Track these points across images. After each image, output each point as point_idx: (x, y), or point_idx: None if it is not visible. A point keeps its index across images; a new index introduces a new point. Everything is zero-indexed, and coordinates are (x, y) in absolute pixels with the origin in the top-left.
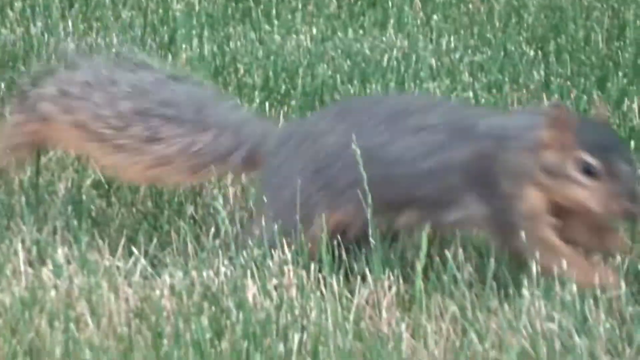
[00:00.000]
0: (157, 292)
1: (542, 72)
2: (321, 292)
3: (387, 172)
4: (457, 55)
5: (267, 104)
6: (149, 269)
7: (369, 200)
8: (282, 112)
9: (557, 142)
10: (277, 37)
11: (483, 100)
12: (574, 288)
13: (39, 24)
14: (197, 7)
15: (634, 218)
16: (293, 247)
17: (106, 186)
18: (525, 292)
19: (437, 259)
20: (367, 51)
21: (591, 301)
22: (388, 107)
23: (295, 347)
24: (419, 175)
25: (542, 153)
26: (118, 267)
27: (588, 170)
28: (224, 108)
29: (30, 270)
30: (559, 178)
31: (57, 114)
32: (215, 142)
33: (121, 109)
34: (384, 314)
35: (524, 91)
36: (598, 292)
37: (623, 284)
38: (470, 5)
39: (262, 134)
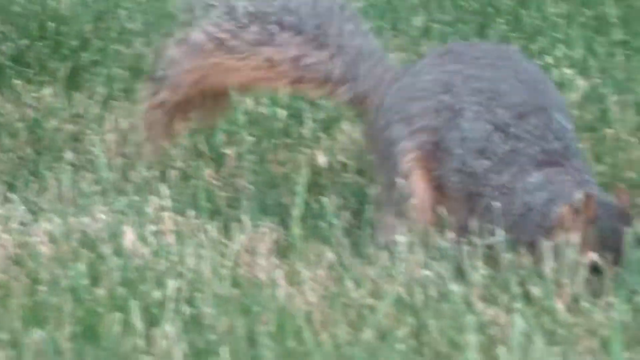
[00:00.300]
0: (35, 238)
1: (423, 18)
2: (198, 239)
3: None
4: None
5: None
6: (28, 216)
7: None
8: None
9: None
10: None
11: None
12: (451, 235)
13: None
14: None
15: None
16: None
17: None
18: (401, 238)
19: (314, 205)
20: None
21: (468, 248)
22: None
23: (171, 293)
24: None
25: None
26: None
27: (595, 270)
28: (348, 29)
29: None
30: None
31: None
32: (328, 63)
33: (239, 12)
34: (261, 261)
35: (405, 37)
36: (475, 239)
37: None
38: None
39: (379, 78)
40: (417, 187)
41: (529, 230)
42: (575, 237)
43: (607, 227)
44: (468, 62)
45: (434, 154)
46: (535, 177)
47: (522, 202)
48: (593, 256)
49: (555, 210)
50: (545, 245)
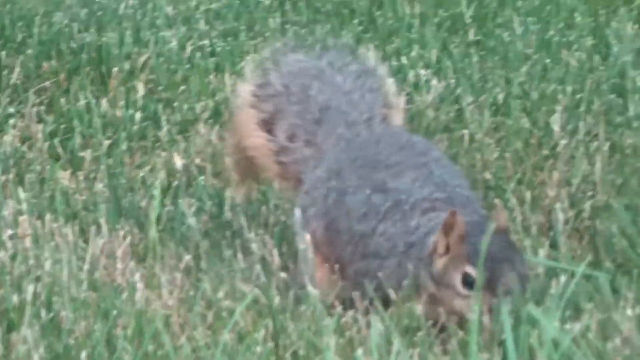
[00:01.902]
0: None
1: (278, 19)
2: (56, 242)
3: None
4: (194, 3)
5: (3, 53)
6: None
7: None
8: (18, 61)
9: (448, 251)
10: None
11: (219, 49)
12: (307, 237)
13: None
14: None
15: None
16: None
17: None
18: (256, 243)
19: (171, 207)
20: None
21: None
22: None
23: (29, 297)
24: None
25: (435, 261)
26: None
27: (469, 283)
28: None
29: None
30: (444, 288)
31: None
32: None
33: None
34: (119, 264)
35: (261, 39)
36: None
37: None
38: None
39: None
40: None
41: (412, 265)
42: (453, 255)
43: (478, 241)
44: (357, 147)
45: (327, 238)
46: (416, 220)
47: (404, 242)
48: (467, 268)
49: (430, 239)
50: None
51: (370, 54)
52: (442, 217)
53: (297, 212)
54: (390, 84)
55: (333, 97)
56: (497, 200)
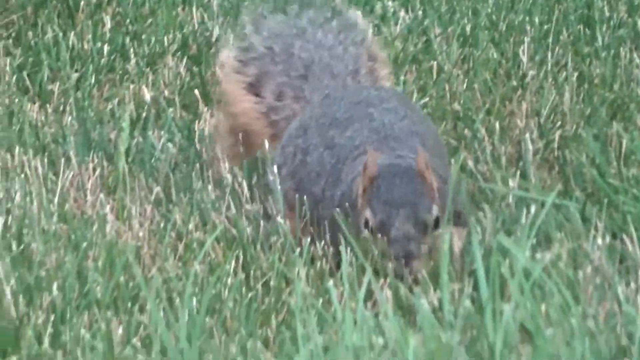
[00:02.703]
0: None
1: None
2: (26, 175)
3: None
4: None
5: None
6: None
7: None
8: None
9: (362, 192)
10: None
11: None
12: (275, 170)
13: None
14: None
15: (400, 277)
16: None
17: None
18: (227, 175)
19: (140, 139)
20: None
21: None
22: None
23: None
24: None
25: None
26: None
27: (368, 225)
28: None
29: None
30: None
31: None
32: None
33: None
34: (89, 196)
35: None
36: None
37: None
38: None
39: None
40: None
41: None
42: (363, 198)
43: (387, 184)
44: (325, 105)
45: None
46: (347, 168)
47: (339, 194)
48: (367, 214)
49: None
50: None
51: (350, 9)
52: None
53: (273, 170)
54: (372, 37)
55: (316, 53)
56: (466, 131)
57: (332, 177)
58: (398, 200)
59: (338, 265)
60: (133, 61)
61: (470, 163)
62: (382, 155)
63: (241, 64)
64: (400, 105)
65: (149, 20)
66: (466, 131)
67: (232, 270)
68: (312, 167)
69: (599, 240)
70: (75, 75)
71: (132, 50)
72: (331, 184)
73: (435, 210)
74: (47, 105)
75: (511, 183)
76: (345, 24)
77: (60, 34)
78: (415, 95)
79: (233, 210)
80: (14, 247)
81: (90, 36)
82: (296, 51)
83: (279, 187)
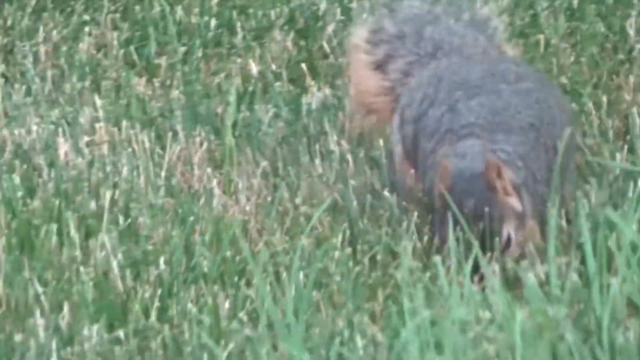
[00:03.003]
0: None
1: None
2: (133, 149)
3: None
4: None
5: None
6: None
7: None
8: None
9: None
10: None
11: None
12: (381, 143)
13: None
14: None
15: None
16: None
17: None
18: (335, 148)
19: (247, 113)
20: None
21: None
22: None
23: (107, 204)
24: None
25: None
26: None
27: None
28: None
29: None
30: None
31: None
32: None
33: None
34: (196, 170)
35: None
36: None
37: None
38: None
39: None
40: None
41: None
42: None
43: (458, 198)
44: (464, 62)
45: (412, 148)
46: (448, 144)
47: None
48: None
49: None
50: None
51: (484, 5)
52: (470, 149)
53: (396, 117)
54: (502, 33)
55: (447, 37)
56: (573, 105)
57: (439, 145)
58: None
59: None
60: (240, 35)
61: (578, 137)
62: (476, 144)
63: (371, 45)
64: (535, 86)
65: None
66: (574, 105)
67: (339, 244)
68: (431, 122)
69: None
70: (182, 49)
71: (239, 24)
72: (437, 150)
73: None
74: (154, 79)
75: (618, 157)
76: (477, 17)
77: (168, 8)
78: None
79: (340, 184)
80: (121, 221)
81: (197, 10)
82: (427, 34)
83: (398, 159)
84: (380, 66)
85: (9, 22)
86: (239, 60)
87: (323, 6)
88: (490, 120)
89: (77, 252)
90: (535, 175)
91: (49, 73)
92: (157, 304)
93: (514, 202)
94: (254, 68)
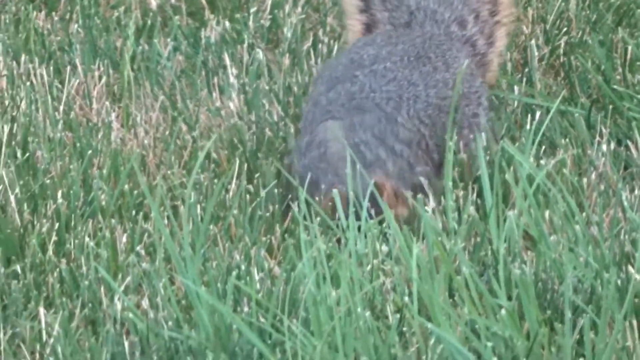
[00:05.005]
0: None
1: None
2: (31, 83)
3: None
4: None
5: None
6: None
7: None
8: None
9: None
10: None
11: None
12: (282, 79)
13: None
14: None
15: None
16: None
17: None
18: (233, 80)
19: (146, 47)
20: None
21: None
22: None
23: (5, 138)
24: None
25: None
26: None
27: None
28: None
29: None
30: None
31: None
32: None
33: None
34: (94, 104)
35: None
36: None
37: None
38: None
39: None
40: None
41: None
42: None
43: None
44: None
45: None
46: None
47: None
48: None
49: None
50: None
51: None
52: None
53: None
54: None
55: (424, 1)
56: None
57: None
58: None
59: None
60: None
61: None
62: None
63: (358, 11)
64: (394, 65)
65: None
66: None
67: (235, 177)
68: (303, 118)
69: (604, 147)
70: None
71: None
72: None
73: None
74: (54, 13)
75: (516, 89)
76: None
77: None
78: None
79: (235, 117)
80: (19, 155)
81: None
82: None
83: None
84: (368, 29)
85: None
86: None
87: None
88: (347, 105)
89: None
90: (395, 148)
91: None
92: (54, 238)
93: (399, 210)
94: (153, 2)
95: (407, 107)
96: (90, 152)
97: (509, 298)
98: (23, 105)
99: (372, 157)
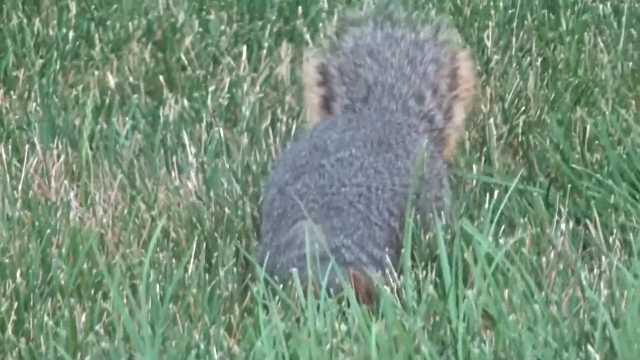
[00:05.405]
0: None
1: None
2: None
3: None
4: None
5: None
6: None
7: None
8: None
9: None
10: None
11: None
12: (241, 158)
13: None
14: None
15: None
16: None
17: None
18: (192, 158)
19: (104, 126)
20: None
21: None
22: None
23: None
24: None
25: None
26: None
27: None
28: None
29: None
30: None
31: None
32: None
33: None
34: (53, 183)
35: None
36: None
37: None
38: None
39: None
40: None
41: None
42: None
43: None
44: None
45: None
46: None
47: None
48: None
49: None
50: None
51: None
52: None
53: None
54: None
55: (382, 76)
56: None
57: (274, 228)
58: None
59: None
60: (98, 47)
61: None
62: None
63: (321, 77)
64: (359, 152)
65: (114, 6)
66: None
67: (194, 256)
68: (266, 204)
69: (563, 226)
70: (40, 62)
71: (97, 36)
72: (274, 231)
73: None
74: (12, 92)
75: (475, 168)
76: (423, 38)
77: (25, 20)
78: None
79: (194, 197)
80: None
81: (55, 22)
82: (363, 74)
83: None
84: (326, 101)
85: None
86: (96, 72)
87: (181, 18)
88: (320, 202)
89: None
90: (374, 254)
91: None
92: (13, 317)
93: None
94: (111, 80)
95: (377, 200)
96: (49, 231)
97: None
98: None
99: (352, 258)
